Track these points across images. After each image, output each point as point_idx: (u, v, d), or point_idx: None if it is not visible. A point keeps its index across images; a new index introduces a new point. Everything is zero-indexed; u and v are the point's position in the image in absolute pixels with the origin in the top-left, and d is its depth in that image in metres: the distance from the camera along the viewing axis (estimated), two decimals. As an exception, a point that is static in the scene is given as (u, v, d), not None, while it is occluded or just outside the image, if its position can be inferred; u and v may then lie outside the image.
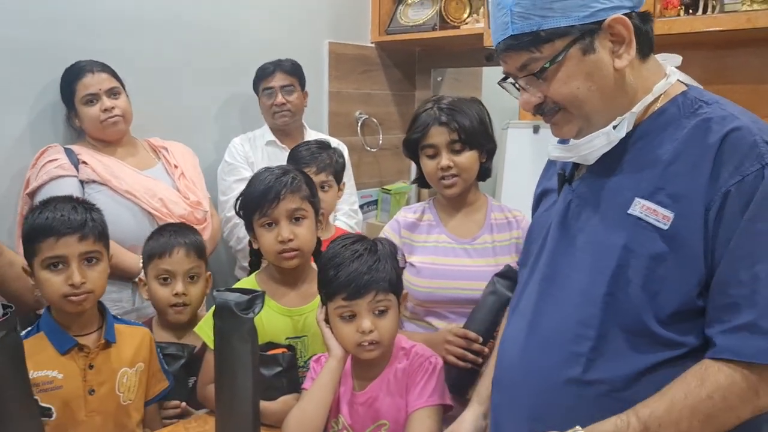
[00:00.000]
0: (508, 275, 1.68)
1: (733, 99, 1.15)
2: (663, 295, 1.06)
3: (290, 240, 1.68)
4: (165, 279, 1.90)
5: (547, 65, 1.11)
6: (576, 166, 1.25)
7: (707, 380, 1.02)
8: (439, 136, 1.80)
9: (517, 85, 1.18)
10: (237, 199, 1.80)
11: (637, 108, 1.13)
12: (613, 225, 1.12)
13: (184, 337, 1.93)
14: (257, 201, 1.70)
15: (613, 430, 1.05)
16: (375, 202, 3.67)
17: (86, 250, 1.55)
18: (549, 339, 1.17)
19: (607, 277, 1.10)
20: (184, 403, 1.80)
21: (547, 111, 1.17)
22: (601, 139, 1.14)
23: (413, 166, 3.82)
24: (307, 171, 2.16)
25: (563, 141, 1.23)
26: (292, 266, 1.72)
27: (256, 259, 1.89)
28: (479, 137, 1.82)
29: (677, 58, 1.22)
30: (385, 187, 3.66)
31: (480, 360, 1.67)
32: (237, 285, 1.76)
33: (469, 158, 1.81)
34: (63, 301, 1.53)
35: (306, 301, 1.75)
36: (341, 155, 2.39)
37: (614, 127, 1.13)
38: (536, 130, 2.92)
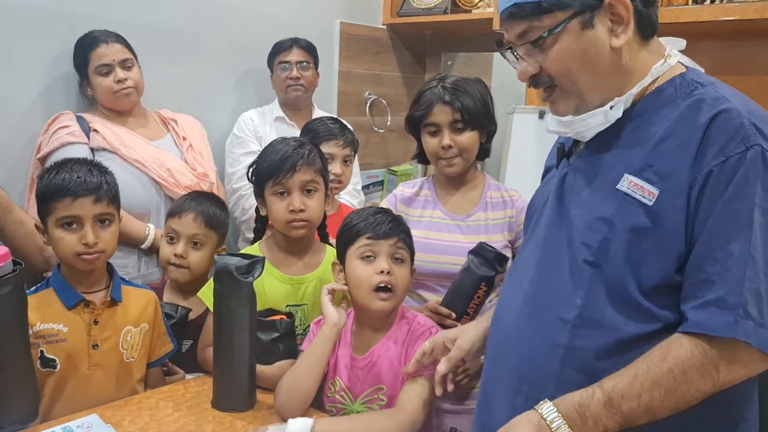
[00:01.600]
0: (480, 253, 1.72)
1: (742, 90, 1.16)
2: (645, 268, 1.09)
3: (301, 210, 1.72)
4: (171, 238, 2.00)
5: (545, 35, 1.13)
6: (576, 141, 1.28)
7: (669, 354, 1.05)
8: (441, 114, 1.83)
9: (516, 55, 1.21)
10: (250, 166, 1.84)
11: (635, 89, 1.16)
12: (602, 198, 1.15)
13: (185, 302, 1.98)
14: (272, 169, 1.74)
15: (579, 400, 1.08)
16: (381, 182, 3.70)
17: (100, 211, 1.60)
18: (540, 305, 1.21)
19: (594, 250, 1.13)
20: (168, 361, 1.85)
21: (542, 83, 1.19)
22: (598, 118, 1.17)
23: (416, 148, 3.88)
24: (333, 144, 2.23)
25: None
26: (299, 236, 1.77)
27: (261, 226, 1.93)
28: (481, 118, 1.85)
29: (681, 42, 1.24)
30: (391, 168, 3.69)
31: None
32: (242, 251, 1.81)
33: (470, 138, 1.85)
34: (75, 259, 1.58)
35: (307, 270, 1.80)
36: (353, 133, 2.43)
37: (611, 108, 1.16)
38: (542, 115, 2.93)
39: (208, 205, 2.03)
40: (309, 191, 1.75)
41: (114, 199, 1.64)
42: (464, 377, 1.73)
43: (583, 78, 1.15)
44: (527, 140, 2.92)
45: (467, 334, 1.45)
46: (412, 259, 1.62)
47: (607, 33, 1.13)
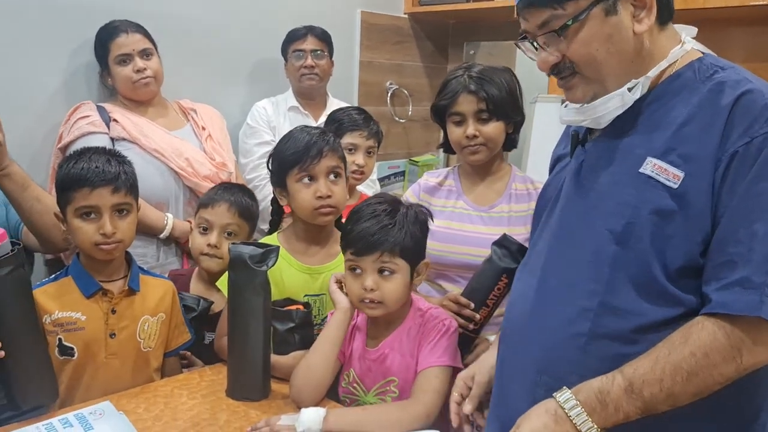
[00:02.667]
0: (503, 244, 1.69)
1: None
2: (670, 251, 1.07)
3: (328, 196, 1.71)
4: (204, 228, 2.00)
5: (570, 23, 1.11)
6: (590, 128, 1.26)
7: (690, 338, 1.03)
8: (467, 104, 1.81)
9: (535, 44, 1.18)
10: (270, 155, 1.83)
11: (653, 72, 1.14)
12: (624, 183, 1.13)
13: (214, 293, 1.97)
14: (298, 156, 1.73)
15: (599, 386, 1.06)
16: (402, 173, 3.68)
17: (118, 201, 1.60)
18: (558, 295, 1.19)
19: (617, 234, 1.11)
20: (189, 353, 1.87)
21: (563, 71, 1.17)
22: (615, 101, 1.14)
23: (441, 137, 3.85)
24: (357, 135, 2.24)
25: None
26: (325, 223, 1.76)
27: (277, 217, 1.93)
28: (507, 108, 1.82)
29: (693, 30, 1.22)
30: (412, 158, 3.67)
31: (471, 326, 1.69)
32: (259, 241, 1.80)
33: (495, 128, 1.82)
34: (94, 249, 1.59)
35: (326, 260, 1.79)
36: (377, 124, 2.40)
37: (629, 90, 1.14)
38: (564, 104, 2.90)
39: (240, 196, 2.04)
40: (335, 177, 1.75)
41: (132, 188, 1.65)
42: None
43: (607, 64, 1.13)
44: (550, 129, 2.85)
45: (483, 367, 1.43)
46: (415, 262, 1.55)
47: (629, 18, 1.11)
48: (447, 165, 3.85)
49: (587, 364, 1.12)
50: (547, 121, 2.90)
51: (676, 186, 1.07)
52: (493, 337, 1.81)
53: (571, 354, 1.14)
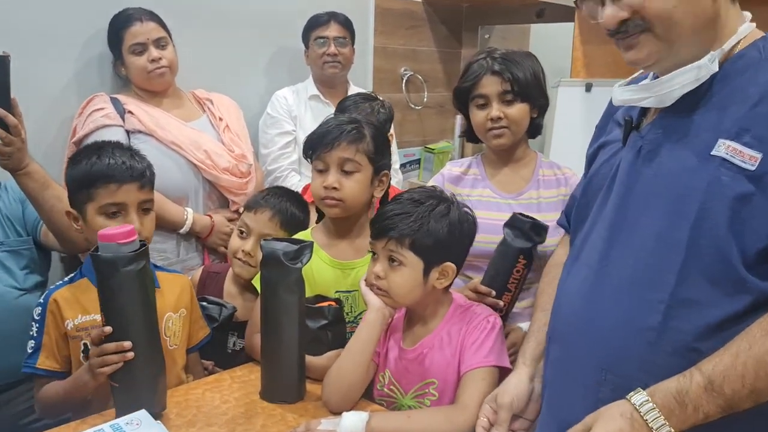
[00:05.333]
0: (514, 224, 1.64)
1: None
2: (749, 235, 1.01)
3: (334, 188, 1.64)
4: (242, 232, 1.93)
5: None
6: (643, 112, 1.20)
7: None
8: (490, 86, 1.77)
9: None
10: (305, 139, 1.76)
11: (727, 45, 1.08)
12: (694, 167, 1.07)
13: (249, 296, 1.93)
14: (315, 143, 1.68)
15: (676, 386, 1.00)
16: (417, 161, 3.61)
17: (144, 198, 1.56)
18: (621, 286, 1.12)
19: (690, 221, 1.05)
20: (212, 363, 1.81)
21: (632, 29, 1.09)
22: (689, 75, 1.08)
23: (457, 125, 3.80)
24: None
25: (635, 82, 1.17)
26: (331, 215, 1.69)
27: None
28: (532, 90, 1.78)
29: (746, 15, 1.16)
30: (428, 146, 3.61)
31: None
32: (295, 236, 1.74)
33: (520, 111, 1.78)
34: None
35: (359, 255, 1.71)
36: (384, 107, 2.29)
37: (710, 61, 1.07)
38: (588, 88, 2.82)
39: (287, 205, 1.94)
40: (348, 171, 1.66)
41: (152, 185, 1.60)
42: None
43: (683, 25, 1.06)
44: (573, 114, 2.81)
45: (505, 387, 1.37)
46: (432, 261, 1.45)
47: None
48: (462, 153, 3.80)
49: (657, 360, 1.06)
50: (571, 106, 2.84)
51: (753, 168, 1.01)
52: (525, 326, 1.76)
53: (640, 350, 1.08)
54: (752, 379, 0.96)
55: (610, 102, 1.30)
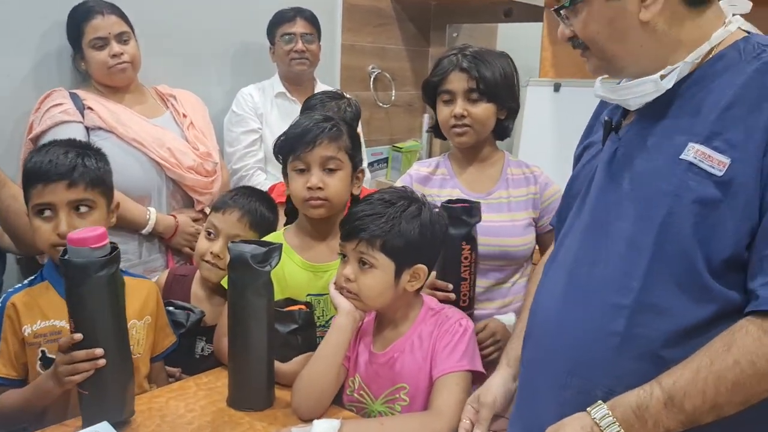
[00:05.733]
0: (446, 214, 1.60)
1: None
2: (714, 243, 1.00)
3: (319, 188, 1.61)
4: (210, 233, 1.86)
5: (567, 3, 1.09)
6: (624, 114, 1.19)
7: (734, 344, 0.96)
8: (457, 82, 1.76)
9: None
10: (277, 139, 1.73)
11: (692, 57, 1.07)
12: (663, 171, 1.06)
13: (217, 300, 1.87)
14: (293, 143, 1.63)
15: (636, 401, 0.99)
16: (385, 160, 3.58)
17: (76, 197, 1.48)
18: (590, 290, 1.11)
19: (656, 225, 1.04)
20: (179, 370, 1.75)
21: (576, 46, 1.15)
22: (647, 86, 1.09)
23: (425, 124, 3.79)
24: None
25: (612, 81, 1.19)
26: (316, 216, 1.65)
27: (293, 207, 1.77)
28: (499, 90, 1.76)
29: (747, 5, 1.13)
30: (395, 144, 3.58)
31: (461, 303, 1.63)
32: (266, 238, 1.70)
33: (485, 110, 1.76)
34: (52, 250, 1.47)
35: (332, 257, 1.67)
36: (351, 105, 2.26)
37: (662, 78, 1.07)
38: (557, 88, 2.82)
39: (257, 205, 1.89)
40: (331, 169, 1.63)
41: (96, 183, 1.51)
42: (495, 351, 1.69)
43: (610, 47, 1.10)
44: (542, 114, 2.82)
45: (488, 387, 1.35)
46: (404, 263, 1.42)
47: (637, 4, 1.05)
48: (430, 151, 3.78)
49: (621, 365, 1.05)
50: (539, 105, 2.84)
51: (721, 173, 1.00)
52: (504, 318, 1.75)
53: (604, 355, 1.07)
54: (713, 394, 0.96)
55: (601, 101, 1.30)
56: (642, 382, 1.01)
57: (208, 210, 1.95)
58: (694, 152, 1.02)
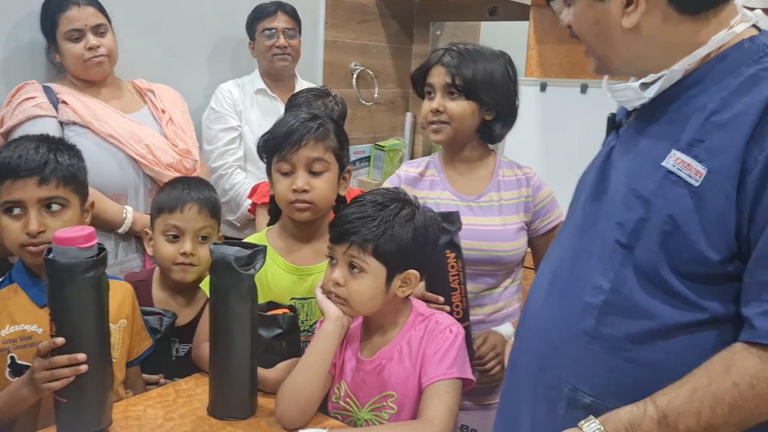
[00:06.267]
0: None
1: None
2: (684, 254, 0.97)
3: (304, 191, 1.55)
4: (173, 236, 1.75)
5: None
6: (628, 113, 1.16)
7: (733, 366, 0.92)
8: (437, 76, 1.73)
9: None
10: (261, 138, 1.66)
11: (681, 65, 1.02)
12: (644, 175, 1.03)
13: (181, 299, 1.81)
14: (278, 143, 1.57)
15: (628, 418, 0.96)
16: (368, 158, 3.53)
17: (46, 195, 1.41)
18: (567, 288, 1.11)
19: (629, 230, 1.02)
20: (161, 376, 1.69)
21: (572, 36, 1.14)
22: (629, 93, 1.07)
23: (407, 122, 3.74)
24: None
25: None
26: (302, 219, 1.59)
27: (276, 208, 1.71)
28: (480, 89, 1.69)
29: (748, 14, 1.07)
30: (378, 143, 3.53)
31: (455, 315, 1.57)
32: (247, 238, 1.65)
33: (462, 107, 1.70)
34: (21, 251, 1.41)
35: (318, 259, 1.62)
36: (338, 103, 2.21)
37: (643, 87, 1.05)
38: (543, 87, 2.80)
39: (206, 192, 1.80)
40: (317, 170, 1.57)
41: (68, 180, 1.45)
42: (497, 364, 1.67)
43: (599, 48, 1.09)
44: (528, 113, 2.78)
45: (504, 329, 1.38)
46: (396, 268, 1.38)
47: (620, 9, 1.02)
48: (413, 150, 3.74)
49: (589, 365, 1.05)
50: (525, 105, 2.79)
51: (697, 184, 0.96)
52: (502, 329, 1.73)
53: (574, 353, 1.07)
54: (708, 416, 0.93)
55: None
56: (607, 383, 1.02)
57: (154, 215, 1.82)
58: (674, 160, 0.99)
